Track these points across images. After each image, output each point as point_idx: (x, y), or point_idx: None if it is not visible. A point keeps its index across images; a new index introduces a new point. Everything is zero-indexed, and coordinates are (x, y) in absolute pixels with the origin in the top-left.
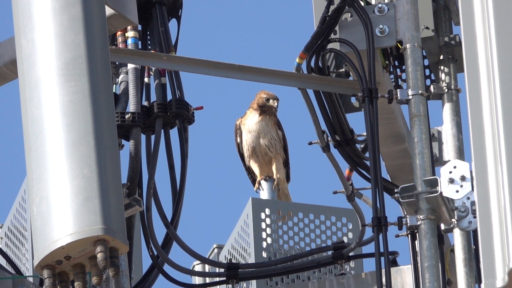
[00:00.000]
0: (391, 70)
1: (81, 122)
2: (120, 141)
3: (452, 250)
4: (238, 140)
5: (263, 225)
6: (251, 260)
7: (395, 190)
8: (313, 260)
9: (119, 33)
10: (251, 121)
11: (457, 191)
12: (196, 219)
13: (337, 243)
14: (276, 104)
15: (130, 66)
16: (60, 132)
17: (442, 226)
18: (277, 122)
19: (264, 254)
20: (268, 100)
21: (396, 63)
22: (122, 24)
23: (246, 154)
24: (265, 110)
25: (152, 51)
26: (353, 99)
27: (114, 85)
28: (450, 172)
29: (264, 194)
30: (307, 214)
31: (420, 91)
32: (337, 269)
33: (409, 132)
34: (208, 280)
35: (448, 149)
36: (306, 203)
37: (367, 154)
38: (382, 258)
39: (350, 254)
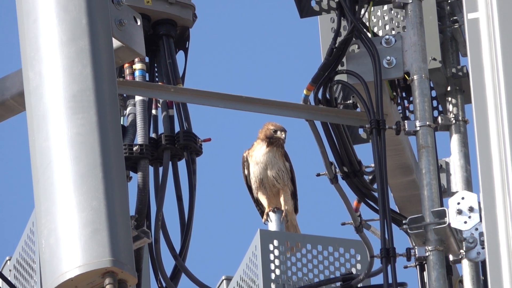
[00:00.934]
0: (399, 101)
1: (89, 155)
2: (128, 173)
3: (461, 281)
4: (246, 172)
5: (272, 257)
6: None
7: (404, 221)
8: None
9: (126, 65)
10: (258, 153)
11: (465, 222)
12: (205, 251)
13: (345, 274)
14: (283, 135)
15: (138, 98)
16: (68, 165)
17: (451, 257)
18: (284, 153)
19: (273, 286)
20: (275, 131)
21: (404, 94)
22: (129, 56)
23: (254, 186)
24: (272, 141)
25: (159, 83)
26: (360, 131)
27: (121, 117)
28: (458, 203)
29: (273, 225)
30: (316, 245)
31: (427, 123)
32: None
33: (417, 163)
34: None
35: (456, 180)
36: (314, 234)
37: (375, 186)
38: None
39: (359, 285)
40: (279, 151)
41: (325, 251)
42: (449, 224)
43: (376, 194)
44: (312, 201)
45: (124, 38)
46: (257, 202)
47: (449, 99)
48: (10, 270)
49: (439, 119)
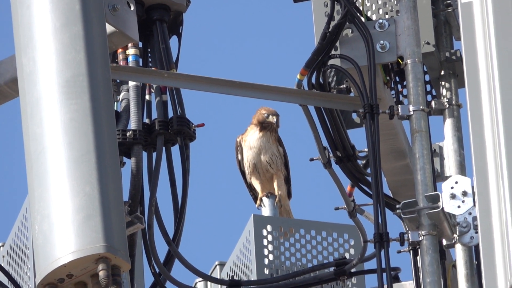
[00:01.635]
0: (392, 86)
1: (82, 140)
2: (121, 158)
3: (454, 266)
4: (239, 157)
5: (265, 242)
6: (253, 277)
7: (397, 206)
8: (315, 277)
9: (120, 50)
10: (251, 138)
11: (458, 207)
12: (198, 236)
13: (339, 259)
14: (275, 120)
15: (131, 83)
16: (62, 150)
17: (444, 242)
18: (278, 138)
19: (266, 271)
20: (268, 116)
21: (397, 78)
22: (123, 42)
23: (247, 171)
24: (265, 126)
25: (153, 68)
26: (354, 115)
27: (115, 103)
28: (452, 188)
29: (266, 210)
30: (309, 230)
31: (421, 107)
32: (339, 286)
33: (410, 147)
34: None
35: (450, 165)
36: (307, 219)
37: (368, 170)
38: (384, 274)
39: (352, 270)
40: (272, 136)
41: (319, 236)
42: (442, 208)
43: (369, 178)
44: (306, 185)
45: (118, 23)
46: (251, 187)
47: (443, 83)
48: (3, 256)
49: (433, 103)
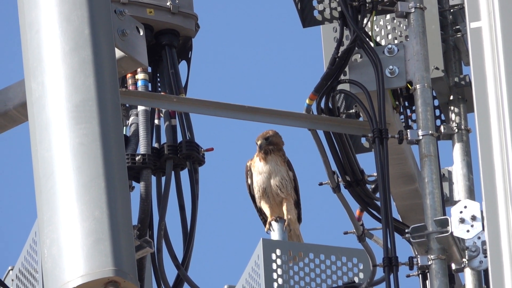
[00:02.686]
0: (401, 110)
1: (91, 164)
2: (130, 183)
3: None
4: (249, 181)
5: (274, 266)
6: None
7: (406, 230)
8: None
9: (129, 75)
10: (259, 163)
11: (467, 231)
12: (207, 260)
13: (348, 283)
14: (258, 143)
15: (140, 108)
16: (71, 175)
17: (453, 266)
18: (287, 160)
19: None
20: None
21: (406, 103)
22: (132, 66)
23: (257, 195)
24: (266, 151)
25: (162, 93)
26: (363, 140)
27: (124, 127)
28: (461, 212)
29: (275, 235)
30: (318, 254)
31: (430, 132)
32: None
33: (419, 172)
34: None
35: (459, 189)
36: (316, 243)
37: (377, 195)
38: None
39: None
40: (279, 157)
41: (328, 260)
42: (451, 233)
43: (378, 203)
44: (315, 210)
45: (127, 48)
46: (260, 211)
47: (452, 108)
48: (12, 280)
49: (442, 128)
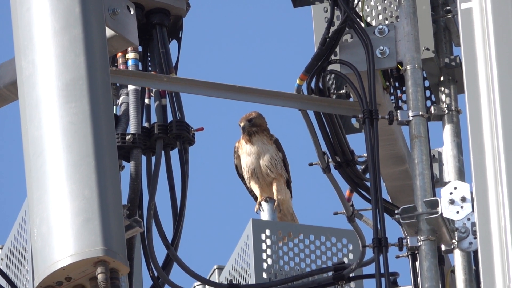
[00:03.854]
0: (392, 91)
1: (81, 143)
2: (120, 162)
3: (453, 271)
4: (236, 161)
5: (264, 246)
6: (252, 281)
7: (396, 211)
8: (313, 281)
9: (119, 54)
10: (247, 145)
11: (457, 212)
12: (197, 240)
13: (337, 264)
14: (241, 124)
15: (131, 87)
16: (61, 153)
17: (443, 247)
18: (275, 141)
19: (265, 275)
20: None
21: (397, 84)
22: (122, 46)
23: (246, 176)
24: (250, 133)
25: (152, 72)
26: (353, 120)
27: (114, 107)
28: (451, 193)
29: (265, 215)
30: (308, 235)
31: (420, 112)
32: None
33: (409, 153)
34: None
35: (449, 170)
36: (306, 224)
37: (367, 175)
38: (383, 279)
39: (351, 275)
40: (265, 137)
41: (317, 240)
42: (441, 214)
43: (368, 184)
44: (305, 190)
45: (117, 27)
46: (252, 191)
47: (442, 89)
48: (1, 259)
49: (432, 109)
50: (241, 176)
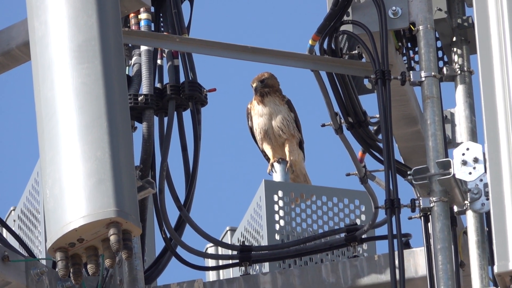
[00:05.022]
0: (404, 52)
1: (93, 104)
2: (133, 123)
3: (465, 232)
4: (250, 123)
5: (276, 208)
6: (264, 242)
7: (408, 172)
8: (326, 243)
9: (132, 15)
10: (259, 106)
11: (470, 173)
12: (209, 202)
13: (350, 225)
14: (254, 85)
15: (143, 48)
16: (73, 114)
17: (455, 208)
18: (288, 102)
19: (277, 237)
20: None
21: (409, 45)
22: (135, 6)
23: (258, 137)
24: (262, 94)
25: (165, 33)
26: (366, 81)
27: (127, 67)
28: (463, 154)
29: (277, 176)
30: (320, 196)
31: (433, 73)
32: (350, 252)
33: (422, 114)
34: (221, 262)
35: (461, 131)
36: (319, 185)
37: (380, 136)
38: (395, 240)
39: (363, 236)
40: (277, 98)
41: (330, 202)
42: (453, 175)
43: (381, 144)
44: (317, 151)
45: None
46: (264, 153)
47: (455, 49)
48: (14, 220)
49: (444, 69)
50: (255, 138)
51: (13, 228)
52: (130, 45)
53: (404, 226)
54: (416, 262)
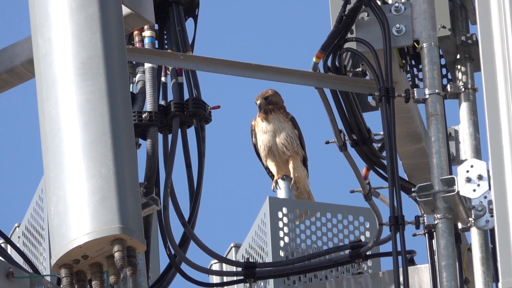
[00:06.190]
0: (408, 69)
1: (98, 122)
2: (137, 140)
3: (470, 249)
4: (254, 140)
5: (280, 224)
6: (269, 259)
7: (412, 189)
8: (330, 259)
9: (136, 32)
10: (263, 123)
11: (474, 190)
12: (214, 218)
13: (354, 242)
14: (258, 102)
15: (147, 65)
16: (77, 132)
17: (459, 225)
18: (291, 119)
19: (282, 253)
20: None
21: (413, 62)
22: (139, 24)
23: (262, 154)
24: (266, 111)
25: (169, 50)
26: (370, 98)
27: (131, 85)
28: (467, 171)
29: (281, 193)
30: (325, 213)
31: (437, 90)
32: (355, 268)
33: (426, 131)
34: (225, 279)
35: (465, 148)
36: (323, 202)
37: (384, 153)
38: (400, 257)
39: (368, 253)
40: (281, 115)
41: (334, 218)
42: (458, 192)
43: (385, 161)
44: (321, 169)
45: (134, 5)
46: (268, 169)
47: (459, 67)
48: (19, 237)
49: (448, 87)
50: (258, 155)
51: (17, 245)
52: (134, 62)
53: (409, 243)
54: (420, 278)
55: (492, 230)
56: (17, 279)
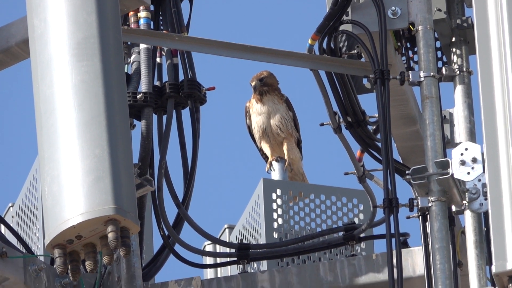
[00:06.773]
0: (403, 52)
1: (92, 102)
2: (131, 121)
3: (463, 232)
4: (248, 122)
5: (274, 206)
6: (262, 240)
7: (407, 172)
8: (324, 241)
9: (131, 13)
10: (258, 104)
11: (468, 173)
12: (207, 200)
13: (348, 224)
14: (253, 84)
15: (142, 46)
16: (72, 112)
17: (453, 208)
18: (286, 100)
19: (275, 235)
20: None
21: (408, 45)
22: (134, 4)
23: (256, 135)
24: (261, 92)
25: (164, 31)
26: (365, 81)
27: (126, 65)
28: (462, 154)
29: (276, 174)
30: (318, 195)
31: (432, 73)
32: (348, 250)
33: (420, 114)
34: (219, 260)
35: (460, 131)
36: (317, 184)
37: (378, 136)
38: (393, 240)
39: (361, 235)
40: (276, 97)
41: (328, 200)
42: (452, 175)
43: (379, 144)
44: (316, 150)
45: None
46: (262, 151)
47: (454, 50)
48: (12, 217)
49: (443, 69)
50: (253, 137)
51: (11, 225)
52: (129, 43)
53: (402, 226)
54: (414, 261)
55: (486, 213)
56: (10, 259)
